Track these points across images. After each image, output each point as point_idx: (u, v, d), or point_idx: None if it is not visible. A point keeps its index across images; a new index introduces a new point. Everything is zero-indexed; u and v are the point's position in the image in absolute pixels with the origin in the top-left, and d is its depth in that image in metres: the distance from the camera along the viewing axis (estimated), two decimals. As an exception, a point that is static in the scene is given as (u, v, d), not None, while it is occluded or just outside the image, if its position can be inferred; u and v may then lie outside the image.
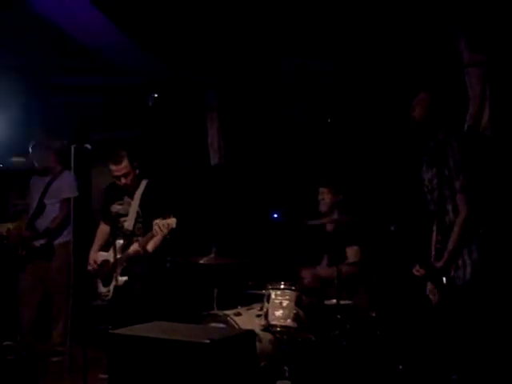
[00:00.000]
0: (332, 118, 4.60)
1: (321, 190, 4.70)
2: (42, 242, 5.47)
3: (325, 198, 4.66)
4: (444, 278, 3.39)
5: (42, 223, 5.51)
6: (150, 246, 4.60)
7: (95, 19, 5.11)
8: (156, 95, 5.12)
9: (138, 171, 4.79)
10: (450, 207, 3.49)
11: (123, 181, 4.72)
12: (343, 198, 4.65)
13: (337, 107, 5.63)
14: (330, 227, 4.70)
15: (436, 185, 3.54)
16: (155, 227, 4.30)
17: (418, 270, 3.51)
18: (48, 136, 5.80)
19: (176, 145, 6.62)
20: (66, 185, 5.44)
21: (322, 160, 5.68)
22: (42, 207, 5.52)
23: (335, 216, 4.42)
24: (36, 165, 5.62)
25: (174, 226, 4.25)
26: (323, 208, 4.66)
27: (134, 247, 4.55)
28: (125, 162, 4.69)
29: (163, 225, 4.26)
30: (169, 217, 4.28)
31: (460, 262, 3.39)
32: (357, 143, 5.53)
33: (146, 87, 6.10)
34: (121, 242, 4.65)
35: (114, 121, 6.82)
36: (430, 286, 3.54)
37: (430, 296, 3.55)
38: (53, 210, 5.51)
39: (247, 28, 5.49)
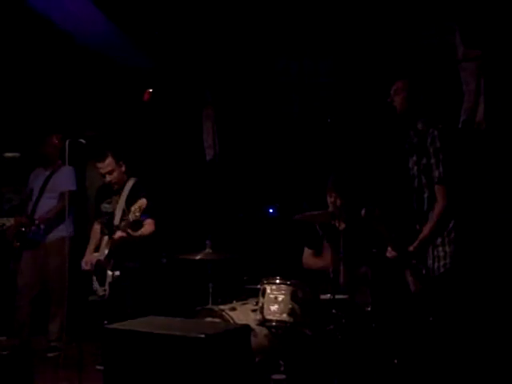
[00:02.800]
0: (332, 117, 4.59)
1: (332, 194, 4.66)
2: (39, 231, 5.50)
3: (336, 202, 4.63)
4: (423, 270, 3.41)
5: (39, 213, 5.53)
6: (137, 233, 4.65)
7: (92, 17, 5.12)
8: (151, 90, 5.12)
9: (124, 168, 4.87)
10: (426, 196, 3.50)
11: (108, 178, 4.83)
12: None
13: (333, 105, 5.64)
14: (342, 226, 4.69)
15: (416, 172, 3.55)
16: (131, 213, 4.42)
17: (390, 252, 3.53)
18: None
19: (171, 140, 6.62)
20: (65, 178, 5.49)
21: (318, 156, 5.68)
22: (40, 198, 5.56)
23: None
24: (42, 158, 5.67)
25: (144, 206, 4.37)
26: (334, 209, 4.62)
27: (117, 234, 4.56)
28: (108, 160, 4.80)
29: (135, 208, 4.38)
30: (139, 199, 4.40)
31: (435, 254, 3.41)
32: (353, 140, 5.53)
33: (142, 83, 6.11)
34: (107, 238, 4.73)
35: (108, 116, 6.81)
36: (409, 276, 3.55)
37: (411, 285, 3.56)
38: (51, 203, 5.55)
39: (244, 25, 5.50)
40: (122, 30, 5.43)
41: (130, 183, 4.85)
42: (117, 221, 4.74)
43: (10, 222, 5.59)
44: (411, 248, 3.44)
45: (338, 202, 4.58)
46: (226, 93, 6.42)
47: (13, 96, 6.41)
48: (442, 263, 3.38)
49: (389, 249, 3.55)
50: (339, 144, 5.46)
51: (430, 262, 3.45)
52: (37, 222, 5.45)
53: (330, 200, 4.64)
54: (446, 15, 4.79)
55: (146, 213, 4.48)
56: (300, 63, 5.96)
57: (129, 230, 4.56)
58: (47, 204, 5.56)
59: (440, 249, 3.40)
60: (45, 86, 6.48)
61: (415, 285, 3.51)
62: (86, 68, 6.23)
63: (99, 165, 4.83)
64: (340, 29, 5.35)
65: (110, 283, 4.58)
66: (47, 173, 5.66)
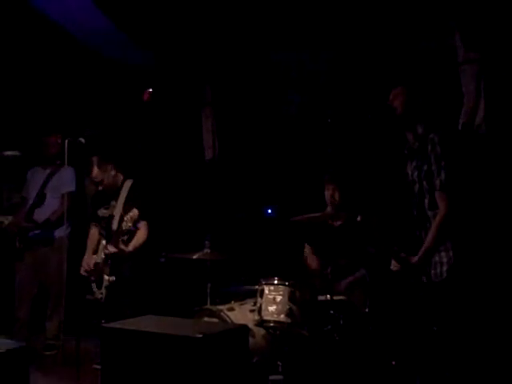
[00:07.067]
0: (332, 118, 4.59)
1: (329, 187, 4.65)
2: (40, 232, 5.48)
3: (334, 195, 4.62)
4: (424, 277, 3.40)
5: (41, 214, 5.52)
6: (130, 246, 4.67)
7: (91, 14, 5.13)
8: (151, 90, 5.12)
9: (114, 171, 4.86)
10: (426, 201, 3.48)
11: (100, 187, 4.85)
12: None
13: (332, 102, 5.64)
14: (337, 223, 4.69)
15: (416, 178, 3.53)
16: (124, 222, 4.47)
17: (394, 266, 3.52)
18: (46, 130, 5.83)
19: (170, 140, 6.61)
20: (66, 179, 5.48)
21: (317, 155, 5.68)
22: (41, 198, 5.55)
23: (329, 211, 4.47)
24: (43, 157, 5.66)
25: (136, 217, 4.42)
26: (332, 208, 4.61)
27: (109, 248, 4.60)
28: (94, 171, 4.83)
29: (128, 219, 4.43)
30: (131, 209, 4.45)
31: (437, 259, 3.38)
32: (353, 138, 5.53)
33: (141, 82, 6.11)
34: (104, 242, 4.73)
35: (108, 115, 6.81)
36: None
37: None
38: (52, 203, 5.53)
39: (242, 22, 5.50)
40: (120, 28, 5.43)
41: (126, 185, 4.83)
42: (115, 225, 4.72)
43: (8, 220, 5.59)
44: (415, 260, 3.41)
45: (337, 194, 4.58)
46: (225, 92, 6.42)
47: (13, 94, 6.40)
48: (444, 268, 3.36)
49: (393, 262, 3.53)
50: (338, 143, 5.46)
51: (429, 268, 3.42)
52: (41, 232, 5.46)
53: (327, 193, 4.63)
54: (446, 17, 4.79)
55: (138, 222, 4.52)
56: (299, 58, 5.96)
57: (122, 246, 4.59)
58: (51, 204, 5.53)
59: (443, 254, 3.38)
60: (44, 84, 6.48)
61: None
62: (85, 66, 6.23)
63: (89, 178, 4.90)
64: (338, 23, 5.34)
65: (106, 287, 4.61)
66: (47, 172, 5.63)
